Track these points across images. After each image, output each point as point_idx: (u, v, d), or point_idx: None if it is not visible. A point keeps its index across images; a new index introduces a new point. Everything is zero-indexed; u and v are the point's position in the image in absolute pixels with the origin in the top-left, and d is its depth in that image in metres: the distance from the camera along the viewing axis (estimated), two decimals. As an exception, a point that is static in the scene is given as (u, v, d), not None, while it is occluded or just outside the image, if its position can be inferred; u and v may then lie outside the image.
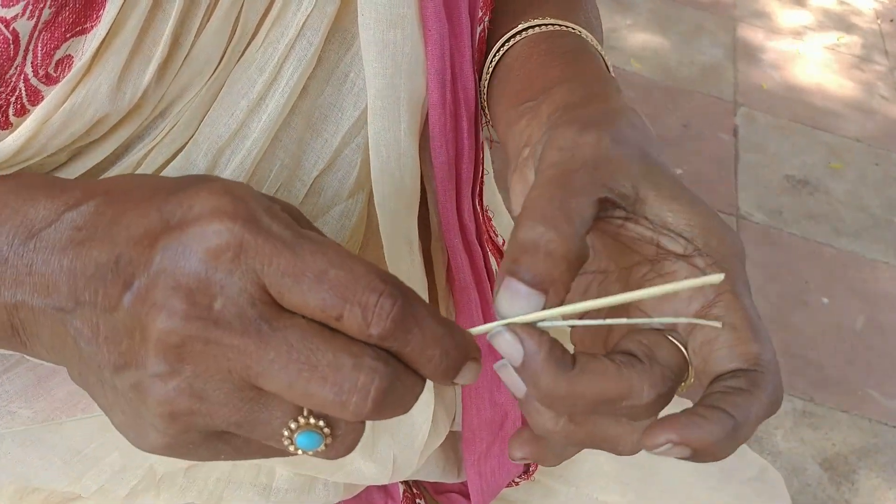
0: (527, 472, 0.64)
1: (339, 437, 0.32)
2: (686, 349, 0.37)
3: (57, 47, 0.40)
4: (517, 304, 0.34)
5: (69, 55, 0.41)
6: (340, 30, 0.48)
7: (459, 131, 0.52)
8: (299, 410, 0.31)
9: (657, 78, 2.47)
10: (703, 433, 0.33)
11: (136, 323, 0.31)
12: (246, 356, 0.30)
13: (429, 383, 0.54)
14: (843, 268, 2.00)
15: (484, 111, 0.55)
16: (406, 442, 0.56)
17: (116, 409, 0.33)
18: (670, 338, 0.37)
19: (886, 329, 1.87)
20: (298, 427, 0.31)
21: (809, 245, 2.05)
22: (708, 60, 2.60)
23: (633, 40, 2.59)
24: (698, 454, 0.33)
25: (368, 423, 0.54)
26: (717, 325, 0.35)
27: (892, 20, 3.04)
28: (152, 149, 0.46)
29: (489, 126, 0.56)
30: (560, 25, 0.52)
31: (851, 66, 2.76)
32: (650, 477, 0.64)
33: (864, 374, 1.76)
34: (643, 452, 0.64)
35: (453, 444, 0.63)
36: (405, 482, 0.64)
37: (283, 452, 0.33)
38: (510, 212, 0.43)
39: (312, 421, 0.31)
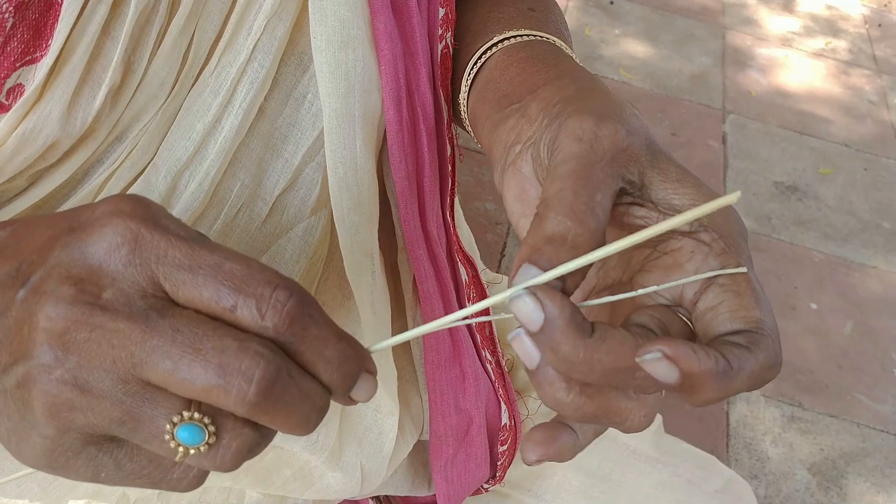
0: (494, 476, 0.65)
1: (225, 439, 0.31)
2: (692, 325, 0.37)
3: (7, 76, 0.41)
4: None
5: (20, 83, 0.42)
6: (297, 53, 0.50)
7: (419, 146, 0.53)
8: (185, 405, 0.31)
9: (646, 86, 2.48)
10: (695, 359, 0.32)
11: (26, 315, 0.31)
12: (130, 342, 0.30)
13: (393, 390, 0.55)
14: (832, 273, 2.01)
15: (463, 124, 0.56)
16: (373, 450, 0.57)
17: (3, 416, 0.32)
18: (678, 314, 0.37)
19: (875, 334, 1.88)
20: (181, 420, 0.31)
21: (798, 251, 2.05)
22: (697, 68, 2.61)
23: (622, 49, 2.60)
24: (684, 383, 0.33)
25: (334, 431, 0.55)
26: (742, 270, 0.35)
27: (879, 25, 3.06)
28: (112, 174, 0.47)
29: (469, 135, 0.57)
30: (535, 36, 0.53)
31: (840, 72, 2.77)
32: (616, 490, 0.64)
33: (852, 379, 1.76)
34: (610, 466, 0.64)
35: (422, 457, 0.64)
36: (376, 498, 0.65)
37: (168, 469, 0.33)
38: (507, 210, 0.43)
39: (197, 415, 0.31)
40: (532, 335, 0.34)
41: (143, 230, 0.31)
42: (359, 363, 0.33)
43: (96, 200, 0.39)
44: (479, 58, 0.53)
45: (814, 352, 1.80)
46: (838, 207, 2.21)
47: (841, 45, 2.91)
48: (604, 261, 0.42)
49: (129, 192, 0.48)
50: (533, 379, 0.36)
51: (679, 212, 0.37)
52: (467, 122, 0.55)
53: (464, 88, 0.54)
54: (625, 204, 0.39)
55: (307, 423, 0.32)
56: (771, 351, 0.35)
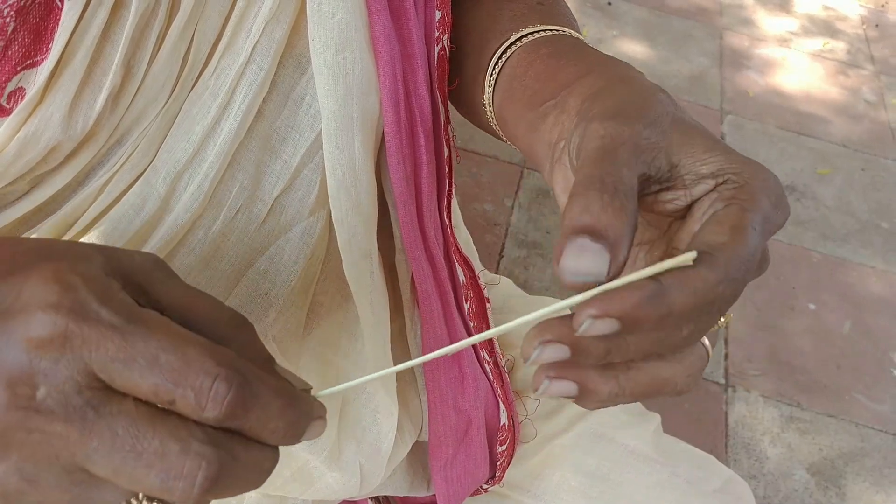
0: (493, 477, 0.65)
1: None
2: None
3: (9, 80, 0.41)
4: (585, 261, 0.33)
5: (21, 87, 0.42)
6: (295, 55, 0.50)
7: (417, 147, 0.53)
8: (133, 494, 0.31)
9: (644, 87, 2.48)
10: (621, 300, 0.32)
11: None
12: (70, 443, 0.30)
13: (392, 390, 0.55)
14: (830, 273, 2.02)
15: (490, 126, 0.56)
16: (373, 450, 0.57)
17: None
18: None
19: (873, 334, 1.88)
20: (134, 502, 0.31)
21: (796, 251, 2.06)
22: (695, 69, 2.62)
23: (619, 50, 2.61)
24: (627, 323, 0.32)
25: (334, 431, 0.55)
26: (689, 258, 0.34)
27: (877, 25, 3.06)
28: (112, 176, 0.47)
29: (499, 137, 0.57)
30: (551, 30, 0.52)
31: (837, 72, 2.77)
32: (615, 490, 0.64)
33: (851, 379, 1.77)
34: (609, 467, 0.65)
35: (421, 458, 0.64)
36: (374, 498, 0.65)
37: None
38: (559, 204, 0.43)
39: (146, 501, 0.31)
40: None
41: (70, 325, 0.30)
42: (305, 419, 0.33)
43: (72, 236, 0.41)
44: (500, 57, 0.53)
45: (812, 352, 1.81)
46: (836, 208, 2.22)
47: (839, 45, 2.91)
48: (649, 245, 0.42)
49: (129, 194, 0.48)
50: (579, 394, 0.36)
51: (708, 177, 0.37)
52: (494, 123, 0.55)
53: (487, 89, 0.54)
54: (653, 193, 0.39)
55: (257, 484, 0.33)
56: (718, 267, 0.34)
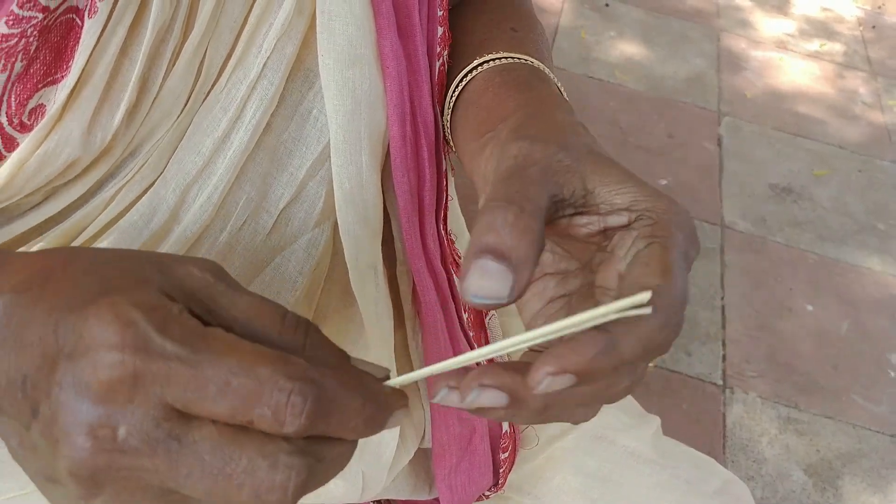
0: (496, 484, 0.66)
1: None
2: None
3: (30, 97, 0.42)
4: (487, 283, 0.33)
5: (42, 104, 0.43)
6: (303, 69, 0.51)
7: (420, 161, 0.54)
8: None
9: (642, 88, 2.49)
10: (577, 355, 0.32)
11: (48, 451, 0.31)
12: (160, 474, 0.31)
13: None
14: (828, 274, 2.03)
15: (448, 143, 0.57)
16: (374, 458, 0.58)
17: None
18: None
19: (870, 335, 1.89)
20: None
21: (793, 252, 2.07)
22: (692, 70, 2.63)
23: (617, 51, 2.62)
24: (582, 377, 0.33)
25: None
26: (647, 311, 0.34)
27: (874, 27, 3.07)
28: (122, 186, 0.48)
29: (453, 156, 0.58)
30: (512, 58, 0.54)
31: (834, 74, 2.78)
32: (616, 491, 0.65)
33: (848, 380, 1.78)
34: (609, 468, 0.66)
35: (424, 462, 0.65)
36: (377, 502, 0.66)
37: None
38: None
39: None
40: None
41: (137, 364, 0.30)
42: (385, 412, 0.33)
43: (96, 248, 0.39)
44: (461, 81, 0.54)
45: (810, 353, 1.82)
46: (833, 209, 2.23)
47: (835, 47, 2.93)
48: (563, 276, 0.42)
49: (138, 204, 0.49)
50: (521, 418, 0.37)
51: (619, 208, 0.38)
52: (452, 143, 0.56)
53: (447, 111, 0.56)
54: (567, 216, 0.39)
55: (337, 473, 0.33)
56: (661, 312, 0.34)
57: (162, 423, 0.30)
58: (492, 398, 0.34)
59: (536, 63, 0.54)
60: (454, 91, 0.55)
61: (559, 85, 0.54)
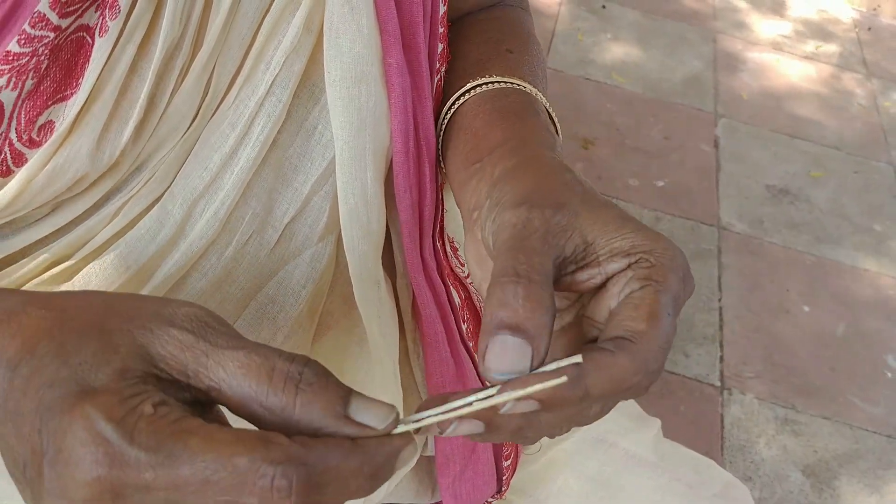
0: (499, 491, 0.66)
1: None
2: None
3: (39, 114, 0.43)
4: (507, 358, 0.34)
5: (51, 120, 0.43)
6: (309, 85, 0.51)
7: (422, 176, 0.54)
8: None
9: (639, 90, 2.50)
10: (541, 385, 0.34)
11: None
12: None
13: (397, 407, 0.56)
14: (824, 276, 2.04)
15: (440, 165, 0.58)
16: None
17: None
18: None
19: (867, 336, 1.90)
20: None
21: (790, 254, 2.08)
22: (689, 72, 2.64)
23: (614, 53, 2.62)
24: (546, 405, 0.35)
25: None
26: (562, 380, 0.34)
27: (869, 28, 3.09)
28: (128, 200, 0.49)
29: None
30: (505, 82, 0.54)
31: (830, 75, 2.79)
32: (617, 494, 0.66)
33: (845, 381, 1.79)
34: (610, 471, 0.66)
35: (427, 467, 0.65)
36: (380, 506, 0.67)
37: None
38: (470, 273, 0.46)
39: None
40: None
41: (114, 478, 0.30)
42: (389, 464, 0.33)
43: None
44: (453, 104, 0.55)
45: (807, 354, 1.83)
46: (830, 210, 2.24)
47: (831, 48, 2.94)
48: (559, 308, 0.43)
49: (145, 218, 0.49)
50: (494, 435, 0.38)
51: (618, 254, 0.39)
52: (443, 165, 0.57)
53: (439, 131, 0.56)
54: (570, 273, 0.40)
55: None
56: (639, 357, 0.36)
57: None
58: (469, 428, 0.36)
59: (529, 88, 0.54)
60: (447, 112, 0.55)
61: (549, 109, 0.54)
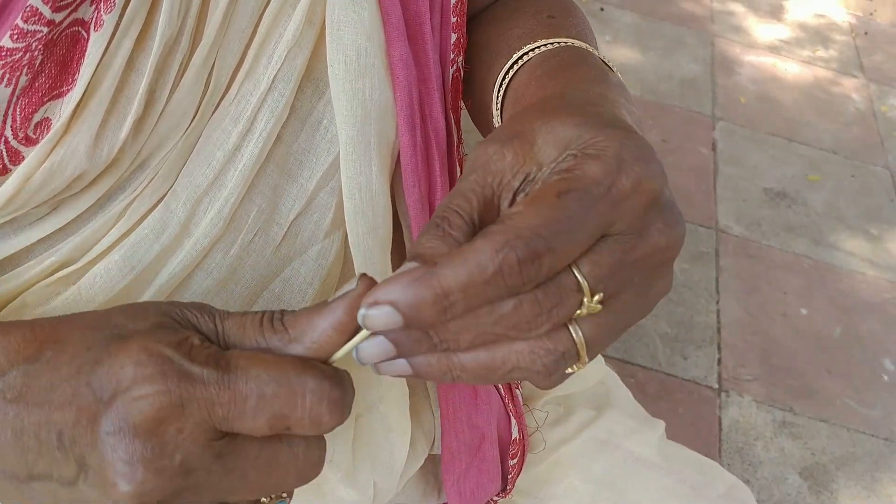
0: (504, 490, 0.66)
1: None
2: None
3: (35, 111, 0.42)
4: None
5: (47, 118, 0.43)
6: (313, 79, 0.51)
7: (431, 169, 0.54)
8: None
9: (637, 93, 2.50)
10: (386, 290, 0.32)
11: (102, 498, 0.33)
12: (213, 485, 0.34)
13: (405, 408, 0.56)
14: (821, 279, 2.04)
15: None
16: (386, 467, 0.58)
17: None
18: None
19: (863, 339, 1.90)
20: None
21: (787, 256, 2.08)
22: (687, 75, 2.64)
23: (612, 56, 2.62)
24: (407, 318, 0.32)
25: (349, 449, 0.56)
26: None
27: (866, 33, 3.09)
28: (133, 200, 0.48)
29: None
30: (551, 43, 0.52)
31: (827, 80, 2.80)
32: (621, 496, 0.66)
33: (842, 384, 1.79)
34: (615, 473, 0.66)
35: (433, 468, 0.65)
36: (385, 507, 0.66)
37: None
38: None
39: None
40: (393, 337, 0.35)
41: (181, 391, 0.33)
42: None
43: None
44: (505, 77, 0.53)
45: (804, 357, 1.83)
46: (827, 213, 2.24)
47: (829, 52, 2.94)
48: None
49: (149, 218, 0.48)
50: (420, 373, 0.36)
51: (555, 158, 0.35)
52: None
53: (495, 112, 0.54)
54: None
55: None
56: (498, 238, 0.32)
57: (213, 444, 0.33)
58: (379, 349, 0.35)
59: (577, 43, 0.52)
60: (500, 88, 0.53)
61: (604, 60, 0.51)
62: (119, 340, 0.34)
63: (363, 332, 0.35)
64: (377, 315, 0.32)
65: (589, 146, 0.34)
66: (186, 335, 0.35)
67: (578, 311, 0.34)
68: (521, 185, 0.35)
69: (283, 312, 0.37)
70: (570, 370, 0.36)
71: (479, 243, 0.32)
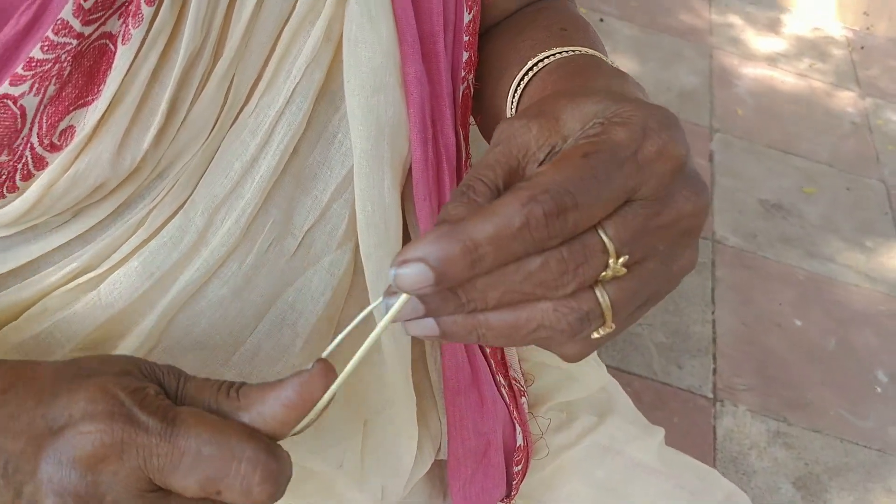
0: (509, 495, 0.67)
1: None
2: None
3: (61, 119, 0.43)
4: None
5: (72, 125, 0.44)
6: (329, 93, 0.52)
7: (442, 184, 0.55)
8: None
9: (635, 104, 2.52)
10: (416, 248, 0.32)
11: None
12: None
13: (412, 413, 0.58)
14: (816, 290, 2.05)
15: None
16: (393, 471, 0.59)
17: None
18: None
19: (857, 350, 1.92)
20: None
21: (783, 268, 2.10)
22: (685, 87, 2.66)
23: (611, 67, 2.64)
24: (437, 273, 0.32)
25: (358, 454, 0.58)
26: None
27: (862, 47, 3.12)
28: (153, 209, 0.49)
29: None
30: (564, 51, 0.53)
31: (824, 93, 2.82)
32: (623, 501, 0.67)
33: (836, 395, 1.80)
34: (617, 479, 0.67)
35: (439, 472, 0.66)
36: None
37: None
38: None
39: None
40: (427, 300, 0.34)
41: (124, 434, 0.34)
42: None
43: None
44: (518, 86, 0.53)
45: (798, 368, 1.84)
46: (822, 226, 2.26)
47: (825, 66, 2.97)
48: None
49: (168, 226, 0.50)
50: (449, 336, 0.35)
51: (580, 129, 0.36)
52: None
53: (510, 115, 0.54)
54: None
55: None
56: (522, 193, 0.32)
57: (145, 495, 0.35)
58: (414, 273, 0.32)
59: (590, 52, 0.52)
60: (513, 98, 0.53)
61: (607, 59, 0.52)
62: (82, 378, 0.36)
63: (403, 297, 0.34)
64: (408, 273, 0.32)
65: (615, 115, 0.35)
66: (145, 385, 0.37)
67: (604, 274, 0.34)
68: (546, 158, 0.35)
69: (242, 384, 0.39)
70: (596, 334, 0.36)
71: (506, 198, 0.32)
